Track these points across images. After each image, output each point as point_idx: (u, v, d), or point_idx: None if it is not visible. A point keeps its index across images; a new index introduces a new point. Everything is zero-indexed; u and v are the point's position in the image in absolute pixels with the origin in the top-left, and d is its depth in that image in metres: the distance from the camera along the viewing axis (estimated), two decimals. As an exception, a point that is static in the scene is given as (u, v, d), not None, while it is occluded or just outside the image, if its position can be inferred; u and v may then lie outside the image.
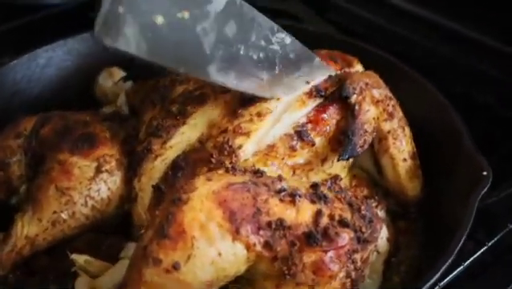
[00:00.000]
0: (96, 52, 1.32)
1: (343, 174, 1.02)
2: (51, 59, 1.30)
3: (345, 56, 1.12)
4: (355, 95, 1.00)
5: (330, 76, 1.05)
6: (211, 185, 0.86)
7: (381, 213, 1.01)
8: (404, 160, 1.04)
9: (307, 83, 1.01)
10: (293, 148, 0.97)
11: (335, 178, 0.98)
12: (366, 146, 1.00)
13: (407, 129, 1.06)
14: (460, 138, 1.02)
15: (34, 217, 0.99)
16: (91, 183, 1.00)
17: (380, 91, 1.04)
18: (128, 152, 1.05)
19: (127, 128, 1.09)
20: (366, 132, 1.00)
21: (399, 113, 1.06)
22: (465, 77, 1.43)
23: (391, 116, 1.03)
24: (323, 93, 1.02)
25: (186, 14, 0.86)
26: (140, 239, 0.86)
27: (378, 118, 1.02)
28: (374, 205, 1.01)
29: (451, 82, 1.40)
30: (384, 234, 0.93)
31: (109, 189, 1.01)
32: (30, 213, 0.99)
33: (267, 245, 0.83)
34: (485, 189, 0.90)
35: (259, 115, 0.98)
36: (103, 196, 1.01)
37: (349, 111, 1.00)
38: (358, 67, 1.11)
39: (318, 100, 1.01)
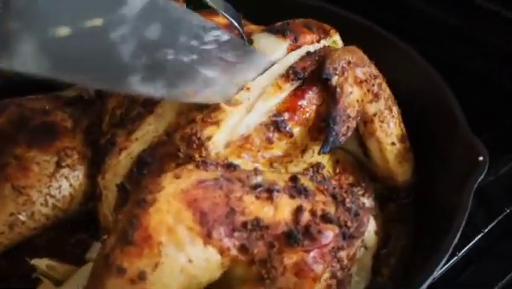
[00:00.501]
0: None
1: (325, 160, 0.94)
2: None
3: (321, 25, 1.02)
4: (335, 77, 0.90)
5: (308, 53, 0.95)
6: (179, 183, 0.78)
7: (368, 202, 0.93)
8: (393, 143, 0.96)
9: (245, 88, 0.90)
10: (269, 140, 0.87)
11: (317, 167, 0.90)
12: (349, 133, 0.91)
13: (395, 109, 0.98)
14: (454, 118, 0.94)
15: None
16: (52, 180, 0.92)
17: (364, 69, 0.94)
18: (91, 142, 0.96)
19: (91, 114, 1.00)
20: (349, 117, 0.91)
21: (385, 92, 0.97)
22: (458, 43, 1.33)
23: (376, 96, 0.94)
24: (301, 75, 0.92)
25: (98, 22, 0.73)
26: (102, 246, 0.78)
27: (362, 100, 0.93)
28: (361, 193, 0.94)
29: (441, 49, 1.32)
30: (371, 226, 0.85)
31: (71, 185, 0.93)
32: None
33: (243, 248, 0.76)
34: (482, 176, 0.82)
35: (229, 103, 0.89)
36: (64, 193, 0.92)
37: (329, 95, 0.90)
38: (335, 37, 1.02)
39: (296, 83, 0.91)
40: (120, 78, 0.77)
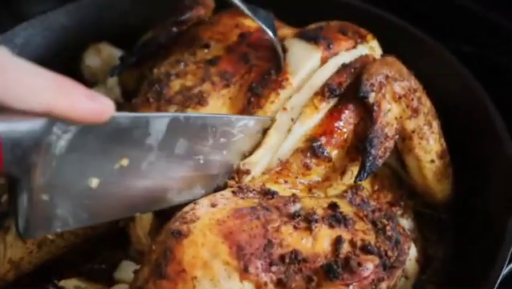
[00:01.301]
0: (81, 25, 1.18)
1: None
2: (31, 38, 1.15)
3: (358, 29, 0.97)
4: (373, 94, 0.85)
5: (344, 66, 0.90)
6: (215, 213, 0.75)
7: (408, 223, 0.90)
8: (432, 161, 0.91)
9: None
10: (307, 167, 0.84)
11: (356, 188, 0.86)
12: (387, 154, 0.87)
13: (435, 124, 0.93)
14: (496, 134, 0.89)
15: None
16: None
17: (403, 83, 0.89)
18: None
19: None
20: (387, 137, 0.86)
21: (425, 106, 0.91)
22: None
23: (416, 111, 0.89)
24: (337, 92, 0.87)
25: (125, 161, 0.73)
26: (134, 277, 0.76)
27: (401, 117, 0.88)
28: (400, 213, 0.90)
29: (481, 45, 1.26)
30: (412, 254, 0.82)
31: None
32: (13, 232, 0.88)
33: (280, 282, 0.73)
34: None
35: (267, 127, 0.85)
36: None
37: (366, 114, 0.85)
38: (372, 43, 0.97)
39: (332, 101, 0.87)
40: (157, 199, 0.78)
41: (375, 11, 1.11)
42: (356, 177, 0.84)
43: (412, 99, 0.89)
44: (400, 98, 0.88)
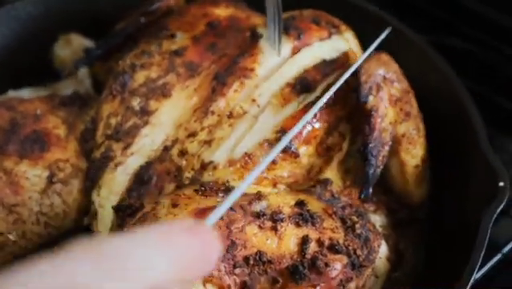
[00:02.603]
0: (50, 15, 1.14)
1: (334, 173, 0.87)
2: (-3, 28, 1.12)
3: (332, 19, 0.94)
4: (371, 97, 0.82)
5: (324, 62, 0.88)
6: (176, 214, 0.72)
7: (380, 219, 0.87)
8: (417, 166, 0.89)
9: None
10: (273, 161, 0.81)
11: (325, 183, 0.84)
12: (384, 162, 0.84)
13: (422, 128, 0.90)
14: (474, 134, 0.86)
15: None
16: (43, 197, 0.86)
17: (399, 85, 0.86)
18: (86, 151, 0.90)
19: (85, 117, 0.94)
20: (384, 144, 0.83)
21: (414, 109, 0.89)
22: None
23: (408, 115, 0.87)
24: (310, 87, 0.85)
25: None
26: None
27: (395, 121, 0.86)
28: (372, 209, 0.87)
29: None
30: (383, 252, 0.80)
31: (64, 202, 0.87)
32: None
33: (245, 285, 0.71)
34: (503, 205, 0.76)
35: (231, 116, 0.82)
36: (57, 210, 0.87)
37: (364, 121, 0.82)
38: (347, 34, 0.94)
39: (304, 96, 0.85)
40: None
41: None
42: (361, 193, 0.82)
43: (406, 102, 0.87)
44: (396, 101, 0.85)
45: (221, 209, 0.58)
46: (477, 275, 0.91)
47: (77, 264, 0.44)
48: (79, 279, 0.43)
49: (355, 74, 0.84)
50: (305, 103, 0.84)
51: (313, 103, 0.82)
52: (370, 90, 0.83)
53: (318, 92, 0.85)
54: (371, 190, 0.82)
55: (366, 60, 0.85)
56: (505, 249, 0.94)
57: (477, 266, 0.72)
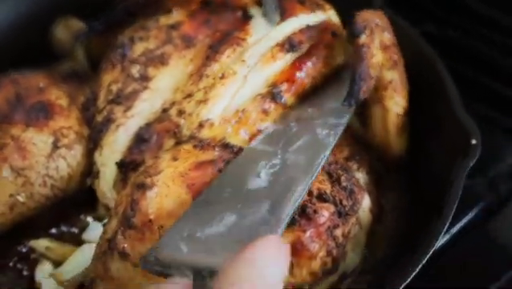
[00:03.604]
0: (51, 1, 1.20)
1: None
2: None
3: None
4: (364, 35, 0.90)
5: (308, 27, 0.95)
6: (177, 166, 0.79)
7: (363, 176, 0.94)
8: (398, 115, 0.95)
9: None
10: (265, 112, 0.88)
11: (312, 142, 0.91)
12: (368, 93, 0.91)
13: (406, 82, 0.97)
14: (446, 93, 0.93)
15: None
16: (49, 161, 0.92)
17: (390, 36, 0.94)
18: (87, 120, 0.96)
19: (86, 90, 1.00)
20: (371, 77, 0.90)
21: (401, 63, 0.96)
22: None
23: (395, 64, 0.94)
24: (296, 48, 0.92)
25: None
26: (103, 230, 0.80)
27: (383, 64, 0.93)
28: (355, 167, 0.94)
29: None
30: (366, 204, 0.86)
31: (69, 165, 0.93)
32: None
33: (242, 229, 0.77)
34: (474, 161, 0.83)
35: (223, 77, 0.89)
36: (62, 174, 0.93)
37: (356, 52, 0.90)
38: (330, 13, 1.01)
39: (291, 54, 0.92)
40: None
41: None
42: (344, 101, 0.88)
43: (395, 53, 0.94)
44: (385, 48, 0.92)
45: (286, 218, 0.69)
46: (453, 230, 0.99)
47: None
48: None
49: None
50: (293, 59, 0.91)
51: (299, 58, 0.91)
52: (364, 28, 0.90)
53: (303, 50, 0.92)
54: (352, 104, 0.88)
55: (362, 11, 0.93)
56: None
57: (450, 219, 0.78)
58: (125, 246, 0.75)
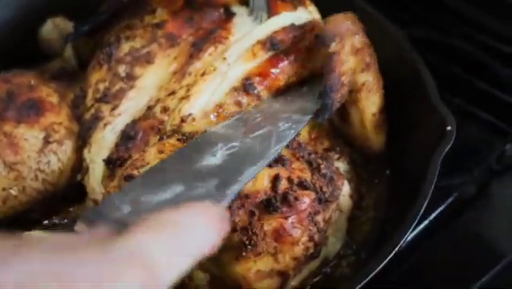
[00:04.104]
0: (39, 1, 1.23)
1: (302, 127, 0.98)
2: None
3: None
4: (334, 43, 0.91)
5: (292, 26, 0.98)
6: (162, 159, 0.82)
7: (344, 165, 0.98)
8: (374, 114, 0.98)
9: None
10: (239, 104, 0.91)
11: (292, 134, 0.94)
12: (342, 101, 0.94)
13: (381, 81, 0.99)
14: (423, 84, 0.97)
15: None
16: (40, 156, 0.96)
17: (361, 38, 0.95)
18: (77, 116, 1.00)
19: (75, 87, 1.03)
20: (343, 85, 0.92)
21: (375, 64, 0.98)
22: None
23: (368, 66, 0.96)
24: (277, 46, 0.94)
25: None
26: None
27: (355, 69, 0.95)
28: (336, 157, 0.98)
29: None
30: (345, 190, 0.90)
31: (59, 160, 0.97)
32: None
33: (225, 217, 0.81)
34: (449, 146, 0.86)
35: (204, 73, 0.92)
36: (53, 168, 0.97)
37: (326, 62, 0.91)
38: (311, 9, 1.04)
39: (272, 53, 0.95)
40: None
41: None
42: (316, 117, 0.90)
43: (367, 54, 0.96)
44: (357, 51, 0.94)
45: (232, 195, 0.73)
46: (431, 216, 1.03)
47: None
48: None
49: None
50: (270, 55, 0.94)
51: (276, 55, 0.94)
52: (334, 36, 0.91)
53: (283, 49, 0.95)
54: (324, 119, 0.91)
55: (333, 16, 0.95)
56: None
57: (427, 200, 0.82)
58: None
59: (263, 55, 0.94)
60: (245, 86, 0.91)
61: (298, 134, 0.93)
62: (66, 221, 1.01)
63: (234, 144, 0.84)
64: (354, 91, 0.96)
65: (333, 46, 0.91)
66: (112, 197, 0.72)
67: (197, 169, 0.78)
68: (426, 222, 1.02)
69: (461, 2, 1.31)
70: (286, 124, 0.89)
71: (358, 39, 0.94)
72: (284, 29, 0.97)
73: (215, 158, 0.81)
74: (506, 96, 1.22)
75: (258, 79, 0.92)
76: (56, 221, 1.01)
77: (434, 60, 1.14)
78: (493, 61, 1.26)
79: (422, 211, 0.83)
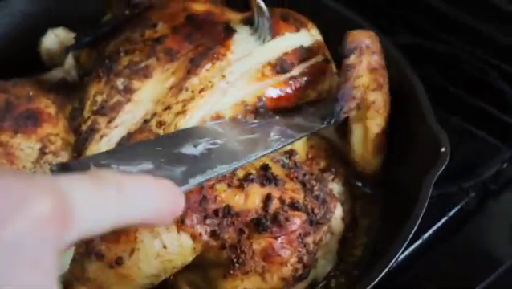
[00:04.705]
0: (41, 12, 1.25)
1: (300, 147, 0.98)
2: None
3: (299, 17, 1.04)
4: (353, 56, 0.94)
5: (301, 47, 0.99)
6: (154, 173, 0.82)
7: (338, 187, 0.97)
8: (377, 134, 0.98)
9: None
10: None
11: (290, 154, 0.94)
12: (349, 113, 0.95)
13: (388, 105, 1.00)
14: (418, 104, 0.97)
15: None
16: (36, 166, 0.95)
17: (378, 58, 0.98)
18: (74, 128, 1.00)
19: (74, 100, 1.04)
20: (353, 98, 0.94)
21: (386, 86, 0.99)
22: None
23: (380, 86, 0.97)
24: (287, 69, 0.97)
25: None
26: (82, 232, 0.83)
27: (368, 86, 0.96)
28: (331, 178, 0.98)
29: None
30: (338, 213, 0.90)
31: None
32: None
33: (214, 234, 0.81)
34: (443, 168, 0.86)
35: (202, 90, 0.93)
36: None
37: (342, 72, 0.94)
38: (313, 32, 1.04)
39: (280, 76, 0.96)
40: None
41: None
42: (324, 120, 0.94)
43: (381, 75, 0.98)
44: (372, 70, 0.96)
45: (193, 184, 0.76)
46: (424, 235, 1.02)
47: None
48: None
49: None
50: (280, 77, 0.96)
51: (286, 79, 0.96)
52: (354, 49, 0.94)
53: (294, 73, 0.97)
54: (331, 123, 0.94)
55: (354, 30, 0.97)
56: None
57: (419, 220, 0.82)
58: (102, 247, 0.78)
59: (273, 77, 0.95)
60: (253, 106, 0.93)
61: (295, 154, 0.94)
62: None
63: (219, 141, 0.86)
64: (362, 109, 0.97)
65: (352, 59, 0.93)
66: (82, 159, 0.76)
67: (173, 154, 0.81)
68: (420, 241, 1.02)
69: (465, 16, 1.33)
70: (277, 136, 0.90)
71: (375, 58, 0.96)
72: (294, 51, 0.98)
73: (195, 149, 0.83)
74: (506, 116, 1.23)
75: (265, 99, 0.94)
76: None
77: (431, 76, 1.17)
78: (493, 79, 1.28)
79: (413, 232, 0.83)
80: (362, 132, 0.99)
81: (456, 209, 1.06)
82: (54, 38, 1.20)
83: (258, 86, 0.95)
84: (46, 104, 1.02)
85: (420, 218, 0.83)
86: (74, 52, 1.09)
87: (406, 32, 1.36)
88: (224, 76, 0.94)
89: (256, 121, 0.93)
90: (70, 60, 1.13)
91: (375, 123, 0.98)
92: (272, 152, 0.88)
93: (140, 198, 0.57)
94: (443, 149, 0.88)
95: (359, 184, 1.01)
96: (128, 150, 0.82)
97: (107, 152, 0.82)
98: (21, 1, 1.25)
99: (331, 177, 0.98)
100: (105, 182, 0.54)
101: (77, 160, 0.79)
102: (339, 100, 0.92)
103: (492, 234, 1.09)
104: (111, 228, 0.55)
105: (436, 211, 1.00)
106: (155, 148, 0.81)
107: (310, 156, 0.99)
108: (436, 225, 1.03)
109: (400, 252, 0.82)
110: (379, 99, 0.98)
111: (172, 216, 0.62)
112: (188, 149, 0.82)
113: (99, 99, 0.98)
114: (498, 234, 1.09)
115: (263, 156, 0.86)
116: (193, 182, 0.76)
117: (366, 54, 0.95)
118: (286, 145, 0.90)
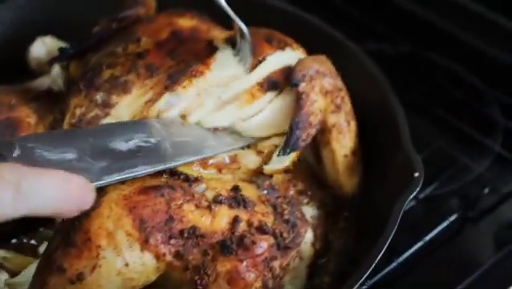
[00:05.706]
0: (30, 20, 1.26)
1: (276, 168, 0.97)
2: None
3: (284, 38, 1.04)
4: (303, 84, 0.94)
5: (288, 67, 0.99)
6: (123, 190, 0.82)
7: (312, 210, 0.97)
8: (345, 156, 0.98)
9: None
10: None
11: (266, 176, 0.93)
12: (309, 140, 0.95)
13: (353, 124, 1.00)
14: (397, 130, 0.97)
15: None
16: None
17: (331, 80, 0.98)
18: None
19: (56, 110, 1.04)
20: (311, 124, 0.94)
21: (347, 106, 1.00)
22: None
23: (338, 108, 0.98)
24: (276, 86, 0.97)
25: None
26: (48, 244, 0.83)
27: (325, 110, 0.96)
28: (305, 201, 0.97)
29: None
30: (308, 238, 0.89)
31: None
32: None
33: (178, 254, 0.80)
34: (415, 193, 0.86)
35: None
36: None
37: (295, 101, 0.94)
38: (298, 52, 1.04)
39: (270, 93, 0.96)
40: None
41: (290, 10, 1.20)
42: (279, 152, 0.93)
43: (337, 97, 0.98)
44: (326, 93, 0.96)
45: (107, 181, 0.78)
46: (399, 259, 1.02)
47: None
48: None
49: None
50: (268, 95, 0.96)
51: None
52: (303, 77, 0.94)
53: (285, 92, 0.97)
54: (287, 153, 0.93)
55: (303, 57, 0.97)
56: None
57: (386, 245, 0.81)
58: (63, 261, 0.78)
59: (262, 96, 0.96)
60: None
61: (272, 176, 0.93)
62: (32, 241, 1.00)
63: (152, 140, 0.87)
64: (325, 132, 0.98)
65: (302, 87, 0.94)
66: (10, 140, 0.77)
67: (100, 147, 0.82)
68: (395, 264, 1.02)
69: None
70: (212, 143, 0.91)
71: (328, 81, 0.96)
72: (281, 69, 0.98)
73: (125, 144, 0.84)
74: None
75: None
76: (24, 240, 1.00)
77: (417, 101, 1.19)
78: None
79: (378, 258, 0.82)
80: (330, 155, 1.00)
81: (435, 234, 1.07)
82: (43, 47, 1.21)
83: (251, 109, 0.95)
84: (27, 114, 1.02)
85: (387, 243, 0.82)
86: (58, 63, 1.09)
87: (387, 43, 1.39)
88: (199, 95, 0.94)
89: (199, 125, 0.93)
90: (56, 69, 1.13)
91: (341, 145, 0.99)
92: (202, 158, 0.89)
93: (37, 194, 0.64)
94: (416, 174, 0.88)
95: (337, 207, 1.00)
96: (60, 136, 0.83)
97: (36, 134, 0.86)
98: (8, 8, 1.26)
99: (306, 200, 0.97)
100: (2, 182, 0.61)
101: (4, 141, 0.81)
102: (294, 130, 0.93)
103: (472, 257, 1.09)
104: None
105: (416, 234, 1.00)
106: (87, 138, 0.82)
107: (288, 177, 0.99)
108: (410, 251, 1.03)
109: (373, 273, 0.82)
110: (340, 121, 0.98)
111: (77, 210, 0.70)
112: (118, 144, 0.83)
113: (77, 111, 0.98)
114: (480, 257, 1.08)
115: (191, 161, 0.88)
116: (107, 180, 0.78)
117: (317, 78, 0.95)
118: (218, 154, 0.91)
